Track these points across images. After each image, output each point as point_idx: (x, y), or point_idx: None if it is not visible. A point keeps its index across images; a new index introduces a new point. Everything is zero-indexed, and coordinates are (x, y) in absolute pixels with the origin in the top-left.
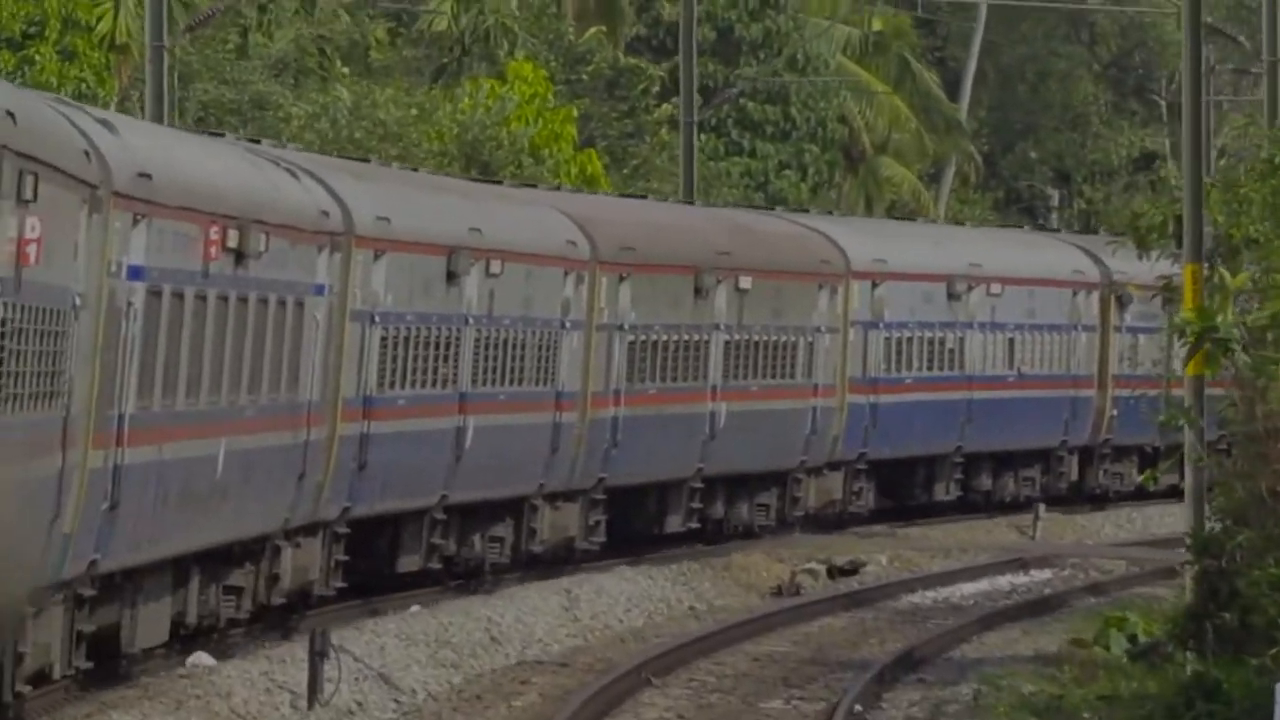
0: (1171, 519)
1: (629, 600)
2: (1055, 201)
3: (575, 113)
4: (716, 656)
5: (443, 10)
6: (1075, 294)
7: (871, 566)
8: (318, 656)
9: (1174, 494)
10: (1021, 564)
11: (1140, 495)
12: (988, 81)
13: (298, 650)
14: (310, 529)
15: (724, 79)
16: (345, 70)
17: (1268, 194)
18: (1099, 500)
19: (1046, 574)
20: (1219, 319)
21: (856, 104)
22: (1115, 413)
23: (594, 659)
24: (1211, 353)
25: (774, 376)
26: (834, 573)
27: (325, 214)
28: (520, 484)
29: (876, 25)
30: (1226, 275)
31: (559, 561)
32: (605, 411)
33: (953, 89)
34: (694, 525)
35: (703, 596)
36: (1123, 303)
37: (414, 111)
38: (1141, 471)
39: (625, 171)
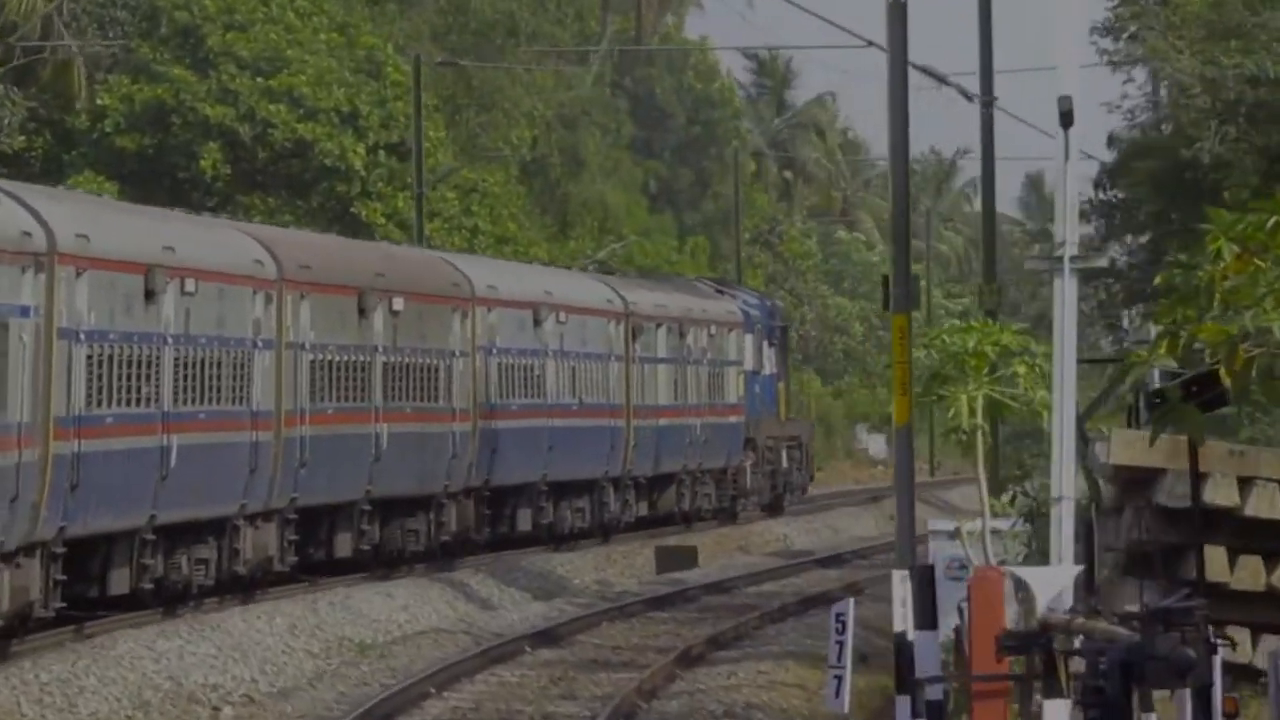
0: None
1: None
2: None
3: None
4: None
5: None
6: (609, 323)
7: None
8: None
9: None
10: None
11: (646, 525)
12: None
13: None
14: (29, 550)
15: None
16: None
17: None
18: (608, 532)
19: None
20: None
21: None
22: (635, 443)
23: None
24: None
25: (423, 399)
26: None
27: (27, 234)
28: (224, 503)
29: None
30: None
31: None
32: (295, 430)
33: None
34: (364, 548)
35: None
36: (636, 334)
37: None
38: (653, 505)
39: None
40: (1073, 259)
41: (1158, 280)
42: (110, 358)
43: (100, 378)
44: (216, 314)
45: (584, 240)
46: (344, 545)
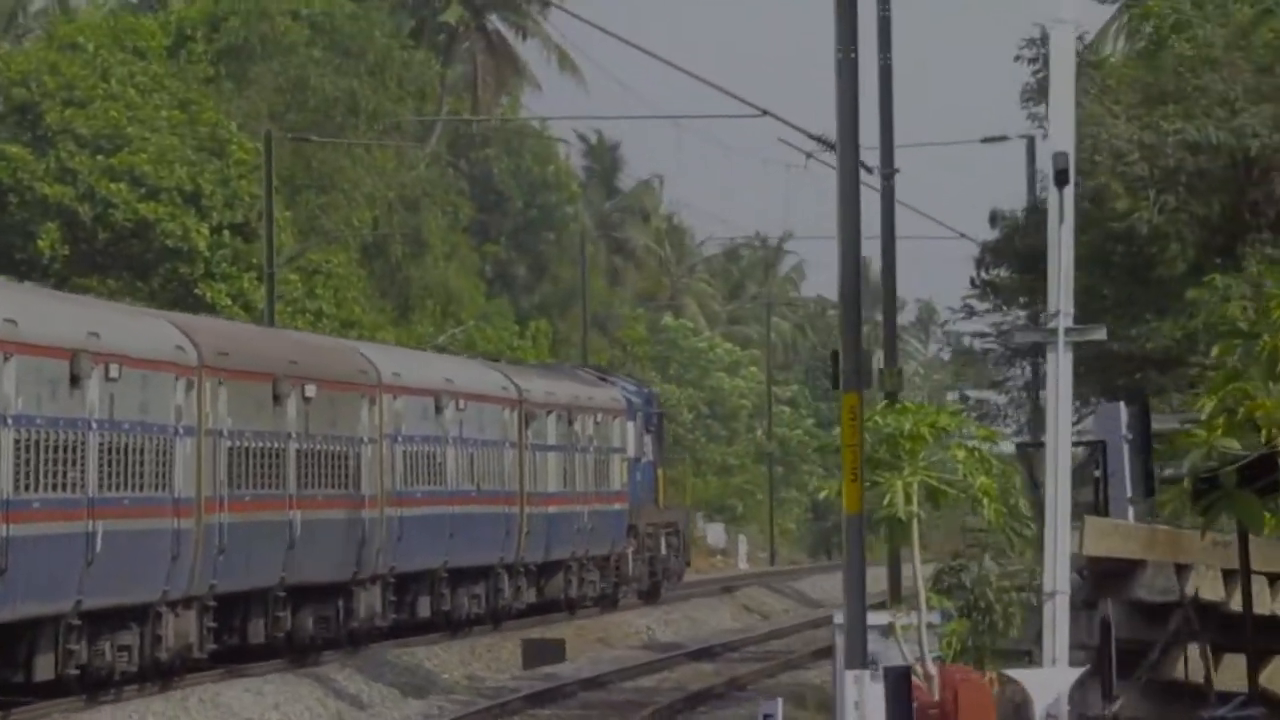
0: None
1: None
2: None
3: None
4: None
5: None
6: (503, 410)
7: None
8: None
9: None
10: None
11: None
12: None
13: None
14: None
15: None
16: None
17: None
18: (498, 620)
19: None
20: None
21: None
22: (528, 530)
23: None
24: None
25: (334, 486)
26: None
27: None
28: (147, 590)
29: None
30: None
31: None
32: (214, 518)
33: None
34: (278, 635)
35: None
36: (529, 421)
37: None
38: (540, 591)
39: None
40: (1068, 331)
41: (1216, 352)
42: (37, 442)
43: (28, 462)
44: (140, 400)
45: (425, 324)
46: (258, 632)
